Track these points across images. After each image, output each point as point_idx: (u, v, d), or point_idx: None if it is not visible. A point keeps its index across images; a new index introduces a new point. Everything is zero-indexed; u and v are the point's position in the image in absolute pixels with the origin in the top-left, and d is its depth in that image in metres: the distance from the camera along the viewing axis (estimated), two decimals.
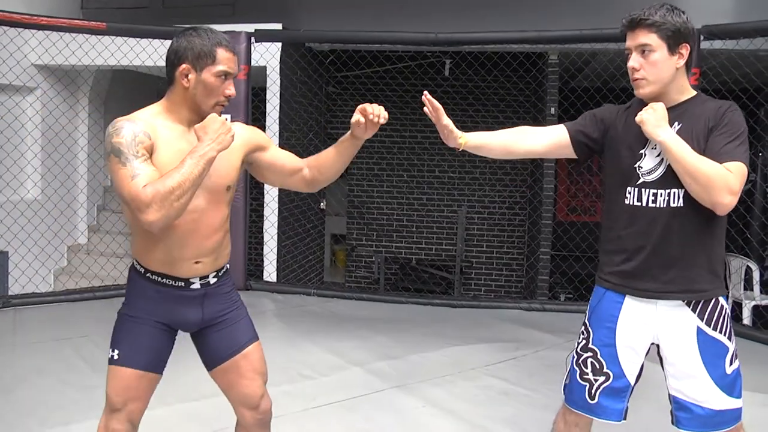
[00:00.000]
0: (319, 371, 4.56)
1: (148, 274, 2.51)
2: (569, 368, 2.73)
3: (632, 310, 2.59)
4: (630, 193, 2.56)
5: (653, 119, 2.45)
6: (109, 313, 2.60)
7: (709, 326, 2.49)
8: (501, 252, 10.40)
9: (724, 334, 2.50)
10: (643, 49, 2.50)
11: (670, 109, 2.51)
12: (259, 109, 7.37)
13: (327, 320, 5.87)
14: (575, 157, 2.78)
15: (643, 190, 2.53)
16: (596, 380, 2.62)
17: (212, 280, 2.60)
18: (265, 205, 7.41)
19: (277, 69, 7.35)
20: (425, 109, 2.77)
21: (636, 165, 2.55)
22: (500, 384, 4.45)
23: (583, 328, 2.72)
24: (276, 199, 7.42)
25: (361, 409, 4.01)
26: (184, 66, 2.42)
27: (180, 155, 2.34)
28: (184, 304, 2.55)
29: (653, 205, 2.50)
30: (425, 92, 2.76)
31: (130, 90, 9.03)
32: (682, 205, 2.46)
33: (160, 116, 2.46)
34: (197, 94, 2.44)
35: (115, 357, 2.49)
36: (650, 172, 2.52)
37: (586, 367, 2.65)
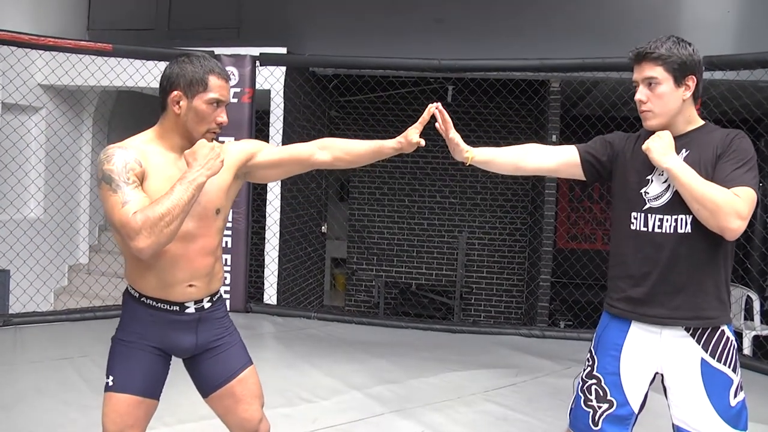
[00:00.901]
0: (318, 394, 4.55)
1: (142, 299, 2.50)
2: (575, 394, 2.73)
3: (637, 339, 2.59)
4: (636, 218, 2.57)
5: (659, 147, 2.47)
6: (109, 333, 2.60)
7: (714, 357, 2.48)
8: (501, 278, 10.39)
9: (729, 366, 2.49)
10: (650, 82, 2.53)
11: (677, 138, 2.53)
12: (263, 132, 7.39)
13: (327, 343, 5.86)
14: (583, 178, 2.79)
15: (649, 215, 2.54)
16: (600, 407, 2.62)
17: (206, 305, 2.59)
18: (266, 227, 7.42)
19: (281, 93, 7.39)
20: (436, 124, 2.82)
21: (642, 191, 2.57)
22: (499, 410, 4.43)
23: (588, 355, 2.72)
24: (278, 222, 7.43)
25: None
26: (175, 93, 2.43)
27: (171, 182, 2.34)
28: (178, 329, 2.53)
29: (659, 230, 2.51)
30: (437, 104, 2.80)
31: (135, 111, 9.07)
32: (689, 231, 2.46)
33: (152, 143, 2.47)
34: (188, 121, 2.45)
35: (111, 383, 2.46)
36: (657, 198, 2.53)
37: (590, 394, 2.65)
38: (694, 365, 2.50)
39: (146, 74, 7.00)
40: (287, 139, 7.52)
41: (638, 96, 2.57)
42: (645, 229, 2.54)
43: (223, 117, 2.48)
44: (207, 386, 2.63)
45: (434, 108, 2.77)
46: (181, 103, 2.43)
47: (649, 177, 2.57)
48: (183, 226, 2.38)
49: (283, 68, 7.34)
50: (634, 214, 2.58)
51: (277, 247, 7.37)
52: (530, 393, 4.76)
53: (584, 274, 8.51)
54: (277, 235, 7.39)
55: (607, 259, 2.84)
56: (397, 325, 6.63)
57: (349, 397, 4.56)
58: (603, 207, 10.84)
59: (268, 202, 7.36)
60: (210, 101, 2.44)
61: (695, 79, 2.53)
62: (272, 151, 2.74)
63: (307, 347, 5.67)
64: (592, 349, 2.72)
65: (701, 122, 2.60)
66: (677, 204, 2.47)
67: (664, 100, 2.52)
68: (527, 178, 10.10)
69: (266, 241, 7.40)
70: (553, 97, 8.27)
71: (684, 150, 2.51)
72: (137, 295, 2.51)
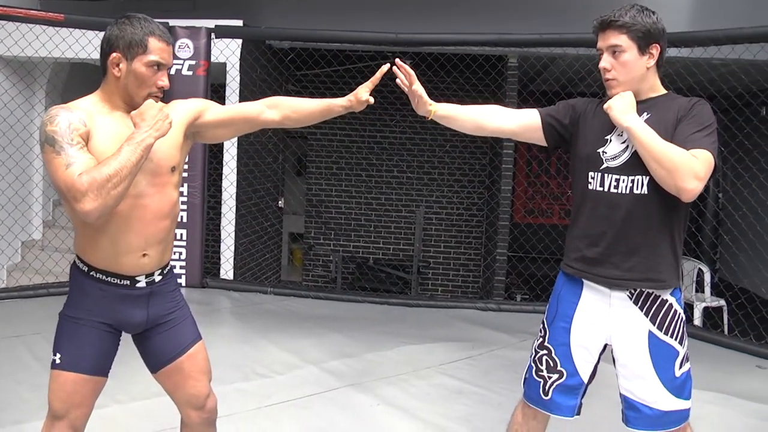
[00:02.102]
0: (274, 369, 4.55)
1: (92, 272, 2.44)
2: (527, 364, 2.77)
3: (587, 310, 2.62)
4: (593, 178, 2.58)
5: (621, 105, 2.49)
6: None
7: (661, 330, 2.52)
8: (458, 252, 10.45)
9: (675, 339, 2.53)
10: (614, 50, 2.54)
11: (640, 102, 2.55)
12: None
13: (283, 318, 5.85)
14: (544, 143, 2.79)
15: (606, 175, 2.54)
16: (550, 377, 2.66)
17: (157, 278, 2.54)
18: (222, 202, 7.35)
19: (237, 66, 7.30)
20: (397, 80, 2.83)
21: (600, 150, 2.58)
22: (454, 383, 4.47)
23: (541, 326, 2.76)
24: (234, 196, 7.37)
25: (315, 408, 4.00)
26: (114, 55, 2.39)
27: (117, 141, 2.30)
28: (129, 304, 2.48)
29: (615, 190, 2.52)
30: (396, 60, 2.81)
31: (88, 84, 8.81)
32: (646, 192, 2.47)
33: (95, 105, 2.42)
34: (129, 84, 2.40)
35: (57, 361, 2.41)
36: (614, 158, 2.54)
37: (541, 365, 2.69)
38: (641, 337, 2.53)
39: (99, 46, 6.85)
40: None
41: (602, 64, 2.57)
42: (601, 189, 2.55)
43: (164, 81, 2.44)
44: (156, 362, 2.60)
45: (387, 68, 2.80)
46: (121, 65, 2.39)
47: (607, 137, 2.58)
48: (136, 187, 2.35)
49: (239, 41, 7.25)
50: (591, 174, 2.59)
51: (234, 222, 7.32)
52: (486, 366, 4.81)
53: (540, 248, 8.57)
54: (234, 209, 7.34)
55: (563, 234, 2.86)
56: (354, 299, 6.64)
57: (306, 371, 4.56)
58: (560, 182, 10.93)
59: (224, 176, 7.30)
60: (150, 63, 2.39)
61: (659, 48, 2.56)
62: (220, 110, 2.72)
63: (263, 322, 5.66)
64: (544, 320, 2.75)
65: (665, 91, 2.63)
66: (635, 165, 2.47)
67: (628, 67, 2.54)
68: (485, 153, 10.14)
69: (222, 215, 7.34)
70: (511, 72, 8.30)
71: (645, 114, 2.52)
72: (86, 269, 2.44)
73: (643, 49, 2.53)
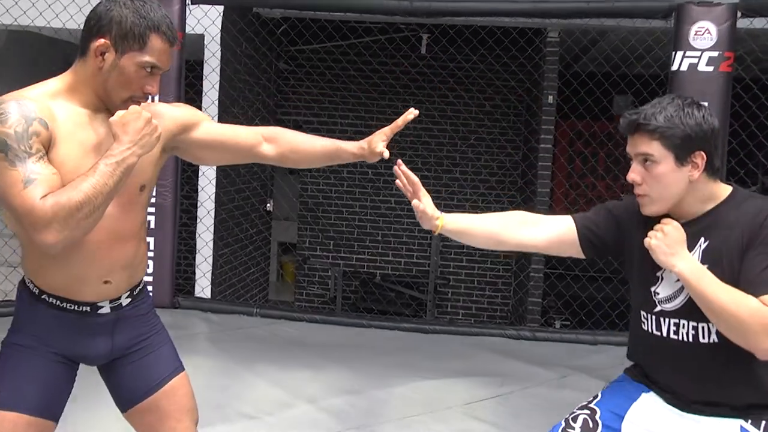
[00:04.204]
0: (261, 409, 4.54)
1: (44, 296, 2.39)
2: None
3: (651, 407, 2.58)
4: (646, 318, 2.53)
5: (664, 246, 2.37)
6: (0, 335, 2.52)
7: (757, 428, 2.42)
8: (484, 268, 10.45)
9: None
10: (645, 158, 2.43)
11: (691, 223, 2.44)
12: (194, 87, 7.33)
13: (272, 346, 5.85)
14: (582, 257, 2.75)
15: (662, 319, 2.48)
16: None
17: (125, 302, 2.51)
18: (198, 204, 7.37)
19: (218, 38, 7.31)
20: (397, 182, 2.74)
21: (652, 289, 2.51)
22: (481, 427, 4.46)
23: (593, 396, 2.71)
24: (212, 197, 7.37)
25: None
26: (102, 41, 2.27)
27: (83, 149, 2.25)
28: (89, 334, 2.45)
29: (675, 336, 2.46)
30: (398, 162, 2.75)
31: (30, 56, 8.86)
32: (716, 340, 2.38)
33: (60, 96, 2.30)
34: (109, 80, 2.30)
35: None
36: (669, 300, 2.48)
37: (575, 423, 2.59)
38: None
39: (45, 10, 6.85)
40: (225, 96, 7.46)
41: (630, 174, 2.47)
42: (658, 333, 2.50)
43: (154, 86, 2.34)
44: (126, 398, 2.57)
45: (413, 115, 2.75)
46: (107, 55, 2.27)
47: (659, 274, 2.50)
48: None
49: (220, 8, 7.25)
50: (643, 313, 2.54)
51: (212, 229, 7.33)
52: (518, 406, 4.80)
53: (585, 264, 8.54)
54: (212, 213, 7.35)
55: None
56: (358, 323, 6.63)
57: (299, 411, 4.56)
58: (609, 183, 10.92)
59: (200, 173, 7.31)
60: (144, 65, 2.29)
61: (704, 157, 2.40)
62: (212, 129, 2.68)
63: (248, 351, 5.65)
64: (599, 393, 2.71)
65: (726, 192, 2.48)
66: (695, 309, 2.37)
67: (663, 183, 2.42)
68: (517, 147, 10.14)
69: (198, 220, 7.35)
70: (551, 49, 8.30)
71: (702, 239, 2.42)
72: (37, 291, 2.40)
73: (682, 158, 2.39)
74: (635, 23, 6.54)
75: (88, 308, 2.43)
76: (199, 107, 7.17)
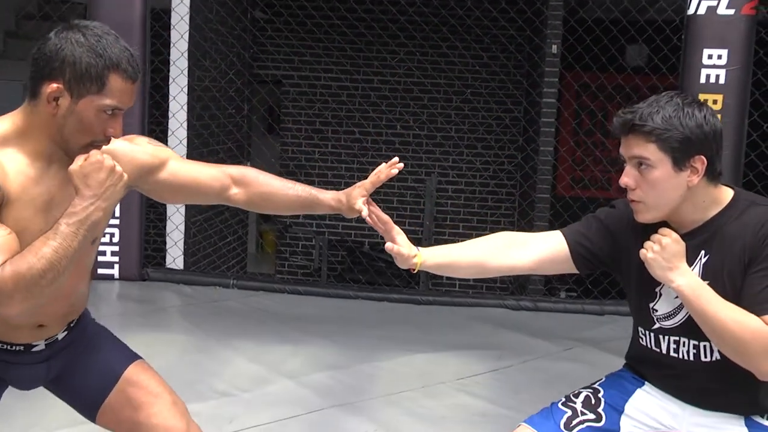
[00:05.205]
0: (237, 386, 4.57)
1: None
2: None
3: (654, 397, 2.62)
4: (644, 334, 2.55)
5: (662, 260, 2.35)
6: None
7: (763, 417, 2.46)
8: (482, 234, 10.43)
9: None
10: (640, 162, 2.39)
11: (691, 234, 2.43)
12: (161, 38, 7.28)
13: (250, 320, 5.88)
14: (576, 272, 2.73)
15: (661, 336, 2.50)
16: (583, 413, 2.59)
17: (61, 336, 2.48)
18: None
19: None
20: (368, 219, 2.63)
21: (650, 306, 2.52)
22: (476, 403, 4.50)
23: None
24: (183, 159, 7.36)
25: None
26: (55, 86, 2.12)
27: (37, 206, 2.17)
28: (22, 364, 2.43)
29: (675, 354, 2.47)
30: (369, 203, 2.64)
31: None
32: (719, 358, 2.39)
33: (9, 144, 2.17)
34: (66, 127, 2.16)
35: None
36: (668, 317, 2.48)
37: (576, 398, 2.63)
38: (736, 423, 2.48)
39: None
40: (195, 48, 7.42)
41: (623, 178, 2.42)
42: (657, 350, 2.51)
43: (116, 128, 2.21)
44: (89, 402, 2.54)
45: (399, 168, 2.66)
46: (61, 100, 2.13)
47: (657, 289, 2.49)
48: None
49: None
50: (641, 329, 2.56)
51: None
52: (517, 381, 4.84)
53: None
54: None
55: None
56: (345, 294, 6.67)
57: (279, 387, 4.59)
58: (618, 140, 10.92)
59: (170, 132, 7.30)
60: (103, 108, 2.15)
61: (705, 160, 2.35)
62: (179, 170, 2.59)
63: (224, 325, 5.68)
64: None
65: (727, 198, 2.45)
66: (698, 326, 2.37)
67: (659, 189, 2.37)
68: (518, 102, 10.13)
69: None
70: None
71: (703, 253, 2.41)
72: None
73: (680, 162, 2.34)
74: None
75: (21, 347, 2.40)
76: (167, 60, 7.18)
